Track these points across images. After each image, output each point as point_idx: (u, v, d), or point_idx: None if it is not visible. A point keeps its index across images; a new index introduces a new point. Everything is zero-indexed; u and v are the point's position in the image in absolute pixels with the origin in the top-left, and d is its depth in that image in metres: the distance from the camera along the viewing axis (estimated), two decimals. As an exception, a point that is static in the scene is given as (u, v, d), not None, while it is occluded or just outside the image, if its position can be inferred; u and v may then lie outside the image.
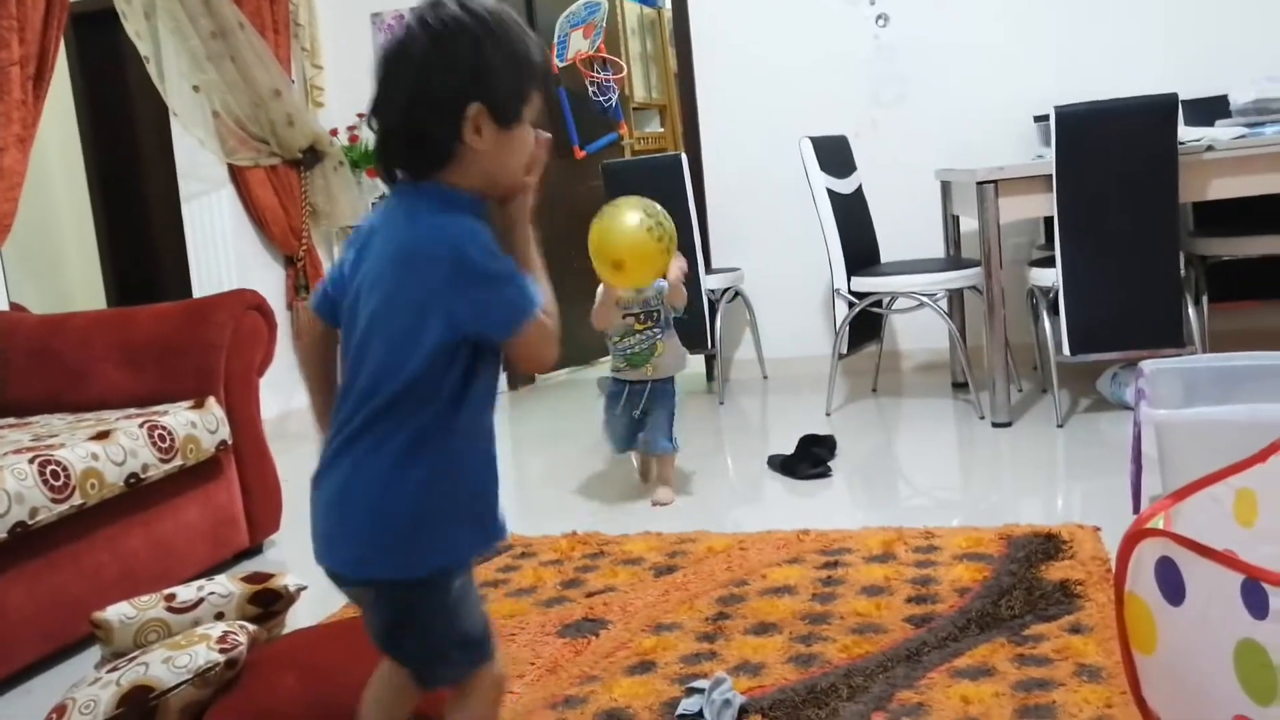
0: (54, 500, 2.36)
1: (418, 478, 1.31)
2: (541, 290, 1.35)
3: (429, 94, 1.29)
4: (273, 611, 2.29)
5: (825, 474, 3.39)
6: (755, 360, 5.05)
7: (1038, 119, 4.41)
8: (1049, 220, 3.87)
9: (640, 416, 3.27)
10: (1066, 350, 3.67)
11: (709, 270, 4.71)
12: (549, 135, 1.38)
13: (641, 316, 3.19)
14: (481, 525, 1.39)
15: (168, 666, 1.96)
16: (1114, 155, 3.51)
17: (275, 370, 3.43)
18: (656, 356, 3.22)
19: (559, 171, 5.68)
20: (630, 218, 2.91)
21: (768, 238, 4.98)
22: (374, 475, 1.32)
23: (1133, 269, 3.57)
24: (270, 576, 2.33)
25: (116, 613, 2.18)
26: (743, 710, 1.87)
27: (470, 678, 1.43)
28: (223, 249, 4.56)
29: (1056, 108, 3.53)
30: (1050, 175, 3.57)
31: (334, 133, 5.10)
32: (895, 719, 1.82)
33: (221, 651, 1.99)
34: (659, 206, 3.00)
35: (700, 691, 1.91)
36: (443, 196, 1.33)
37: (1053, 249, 3.67)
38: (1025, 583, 2.32)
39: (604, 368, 5.50)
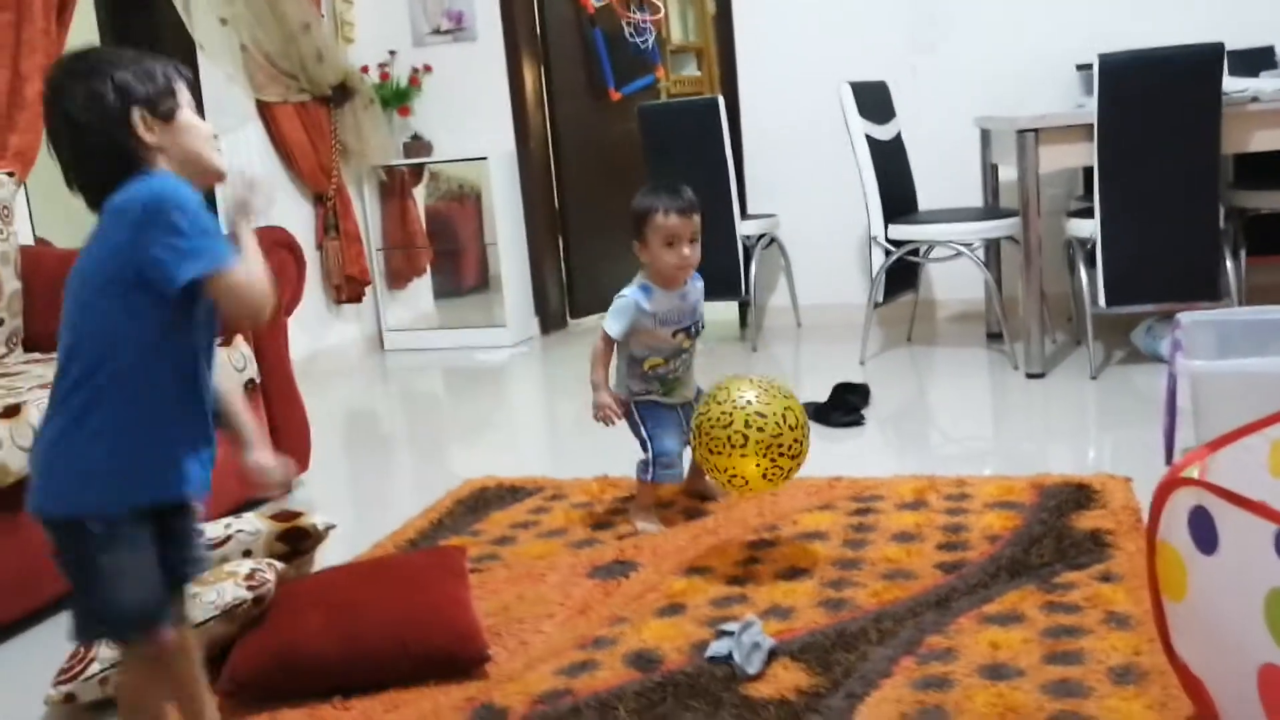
0: (87, 434, 2.37)
1: (89, 429, 1.45)
2: (244, 259, 1.46)
3: (98, 123, 1.44)
4: (300, 550, 2.31)
5: (858, 422, 3.37)
6: (789, 307, 5.02)
7: (1080, 67, 4.31)
8: (1088, 170, 3.81)
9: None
10: (1102, 301, 3.61)
11: (744, 216, 4.66)
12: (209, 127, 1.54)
13: (691, 331, 2.58)
14: (147, 481, 1.49)
15: (196, 602, 1.98)
16: (1157, 105, 3.43)
17: (303, 310, 3.43)
18: (689, 375, 2.66)
19: (594, 113, 5.63)
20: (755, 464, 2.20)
21: (804, 184, 4.92)
22: (53, 428, 1.49)
23: (1171, 221, 3.51)
24: (298, 515, 2.35)
25: (148, 546, 2.19)
26: (772, 653, 1.87)
27: (123, 645, 1.57)
28: (252, 187, 4.55)
29: (1100, 56, 3.45)
30: (1091, 125, 3.50)
31: (364, 70, 5.07)
32: (924, 663, 1.81)
33: (249, 589, 2.01)
34: (778, 399, 2.26)
35: (730, 634, 1.91)
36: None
37: (1091, 199, 3.61)
38: (1056, 531, 2.30)
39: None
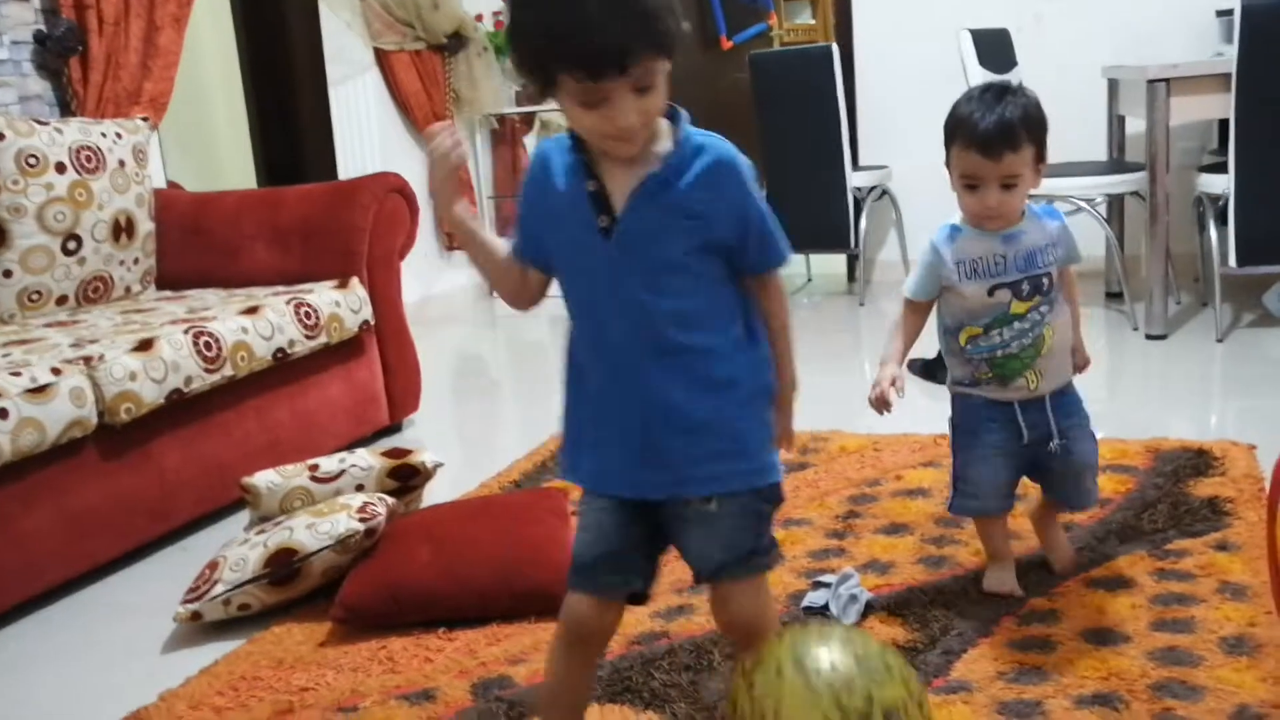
0: (207, 370, 2.46)
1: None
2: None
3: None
4: (410, 486, 2.37)
5: (965, 380, 3.28)
6: (899, 261, 4.92)
7: (1220, 13, 4.10)
8: (1224, 123, 3.63)
9: (1041, 455, 1.85)
10: (1233, 261, 3.46)
11: (856, 167, 4.58)
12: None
13: (1025, 288, 1.78)
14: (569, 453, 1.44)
15: (311, 532, 2.05)
16: (1304, 52, 3.24)
17: (416, 255, 3.49)
18: (1045, 354, 1.80)
19: (704, 63, 5.57)
20: None
21: (919, 135, 4.76)
22: None
23: (1314, 176, 3.32)
24: (409, 452, 2.41)
25: (264, 479, 2.29)
26: (869, 606, 1.86)
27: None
28: (367, 133, 4.64)
29: (1243, 0, 3.26)
30: (1230, 75, 3.32)
31: (479, 18, 5.09)
32: (1025, 623, 1.78)
33: (361, 521, 2.07)
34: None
35: (826, 585, 1.90)
36: None
37: (1225, 154, 3.44)
38: (1171, 497, 2.22)
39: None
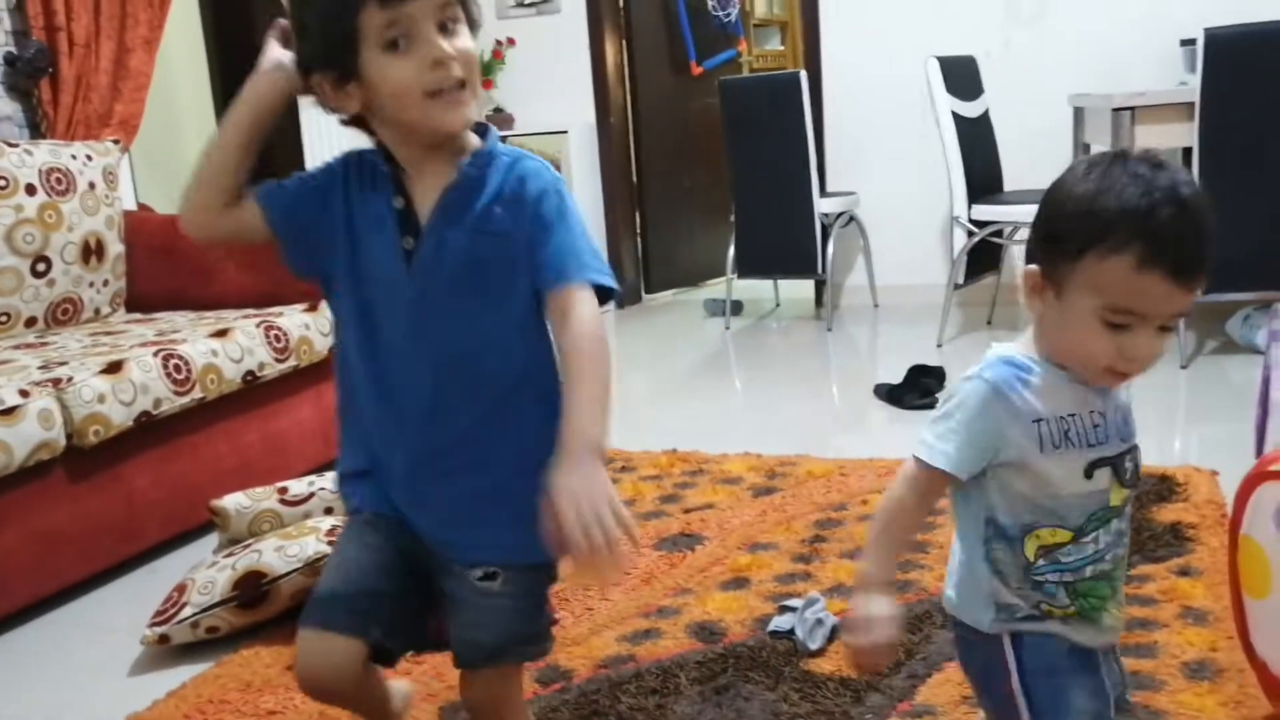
0: (176, 392, 2.45)
1: None
2: None
3: None
4: (379, 509, 2.36)
5: (933, 405, 3.31)
6: (867, 287, 4.96)
7: (1184, 42, 4.18)
8: (1187, 152, 3.69)
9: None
10: (1196, 288, 3.51)
11: (823, 194, 4.62)
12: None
13: (1128, 467, 1.15)
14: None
15: (280, 555, 2.05)
16: (1266, 83, 3.31)
17: (388, 277, 3.49)
18: (1121, 572, 1.18)
19: (675, 87, 5.61)
20: None
21: (886, 161, 4.86)
22: None
23: (1275, 206, 3.39)
24: (377, 475, 2.40)
25: (233, 502, 2.28)
26: (834, 630, 1.87)
27: None
28: (338, 153, 4.63)
29: (1206, 30, 3.33)
30: (1193, 103, 3.39)
31: (452, 43, 5.12)
32: (990, 649, 1.80)
33: (330, 544, 2.07)
34: None
35: (793, 610, 1.91)
36: None
37: (1188, 181, 3.49)
38: (1135, 523, 2.25)
39: (713, 289, 5.48)
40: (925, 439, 1.16)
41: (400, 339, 1.18)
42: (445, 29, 1.11)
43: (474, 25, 1.16)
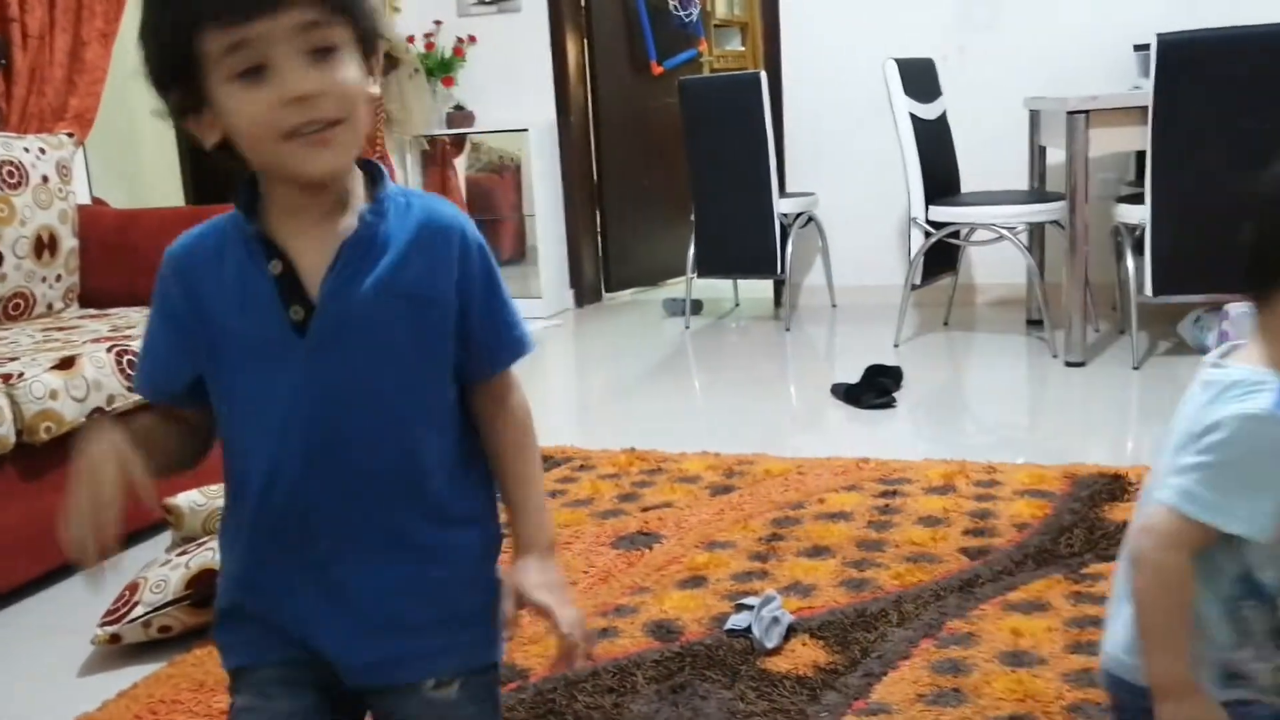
0: (129, 389, 2.42)
1: None
2: None
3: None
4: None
5: (890, 404, 3.36)
6: (825, 287, 4.99)
7: (1138, 48, 4.24)
8: (1140, 155, 3.75)
9: None
10: (1149, 290, 3.57)
11: (782, 194, 4.64)
12: None
13: None
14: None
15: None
16: (1217, 88, 3.36)
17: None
18: None
19: (636, 86, 5.62)
20: None
21: (845, 162, 4.89)
22: None
23: (1226, 209, 3.44)
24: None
25: (187, 499, 2.26)
26: (791, 629, 1.88)
27: None
28: (299, 152, 4.59)
29: (1159, 35, 3.38)
30: (1146, 107, 3.44)
31: (410, 40, 5.09)
32: (944, 646, 1.82)
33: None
34: None
35: (750, 608, 1.92)
36: None
37: (1142, 185, 3.55)
38: (1087, 522, 2.29)
39: (673, 288, 5.49)
40: (1187, 490, 0.96)
41: (294, 438, 0.96)
42: (317, 55, 0.89)
43: (369, 45, 0.94)
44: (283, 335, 0.95)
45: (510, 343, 1.02)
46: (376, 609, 0.99)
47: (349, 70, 0.91)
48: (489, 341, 1.01)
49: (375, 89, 0.95)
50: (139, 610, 1.98)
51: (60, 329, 2.70)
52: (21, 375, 2.23)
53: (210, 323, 0.97)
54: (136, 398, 2.43)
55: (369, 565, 0.99)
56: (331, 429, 0.96)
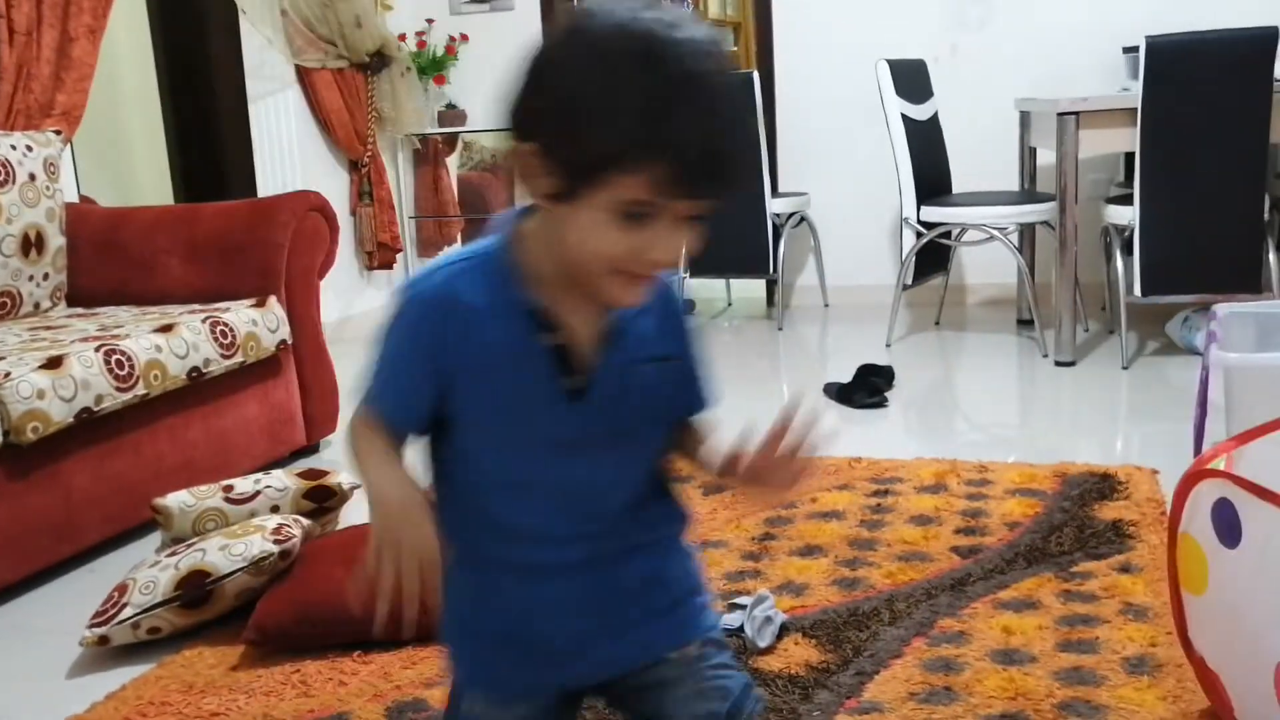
0: (118, 389, 2.41)
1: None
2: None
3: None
4: (327, 507, 2.34)
5: (881, 404, 3.36)
6: (817, 287, 5.00)
7: (1127, 50, 4.25)
8: (1129, 156, 3.76)
9: None
10: (1138, 291, 3.58)
11: (775, 194, 4.64)
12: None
13: None
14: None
15: (224, 554, 2.02)
16: (1204, 90, 3.37)
17: (336, 275, 3.46)
18: None
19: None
20: None
21: (837, 163, 4.89)
22: None
23: (1214, 210, 3.46)
24: (325, 474, 2.38)
25: (176, 500, 2.25)
26: (784, 628, 1.88)
27: None
28: (288, 150, 4.58)
29: (1147, 38, 3.40)
30: (1135, 109, 3.45)
31: (402, 38, 5.07)
32: (935, 645, 1.82)
33: (276, 543, 2.04)
34: None
35: (742, 607, 1.92)
36: None
37: (1131, 186, 3.56)
38: (1077, 520, 2.29)
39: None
40: None
41: (561, 492, 1.05)
42: (686, 221, 0.93)
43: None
44: (550, 404, 1.02)
45: (713, 384, 1.14)
46: (621, 614, 1.11)
47: (691, 238, 0.95)
48: (706, 384, 1.13)
49: None
50: (128, 611, 1.97)
51: (48, 328, 2.69)
52: (8, 375, 2.21)
53: (471, 372, 1.01)
54: (128, 397, 2.42)
55: (614, 578, 1.10)
56: (591, 484, 1.06)
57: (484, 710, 1.13)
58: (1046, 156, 3.98)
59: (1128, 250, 3.62)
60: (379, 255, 5.06)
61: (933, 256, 4.36)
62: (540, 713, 1.13)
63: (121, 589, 2.03)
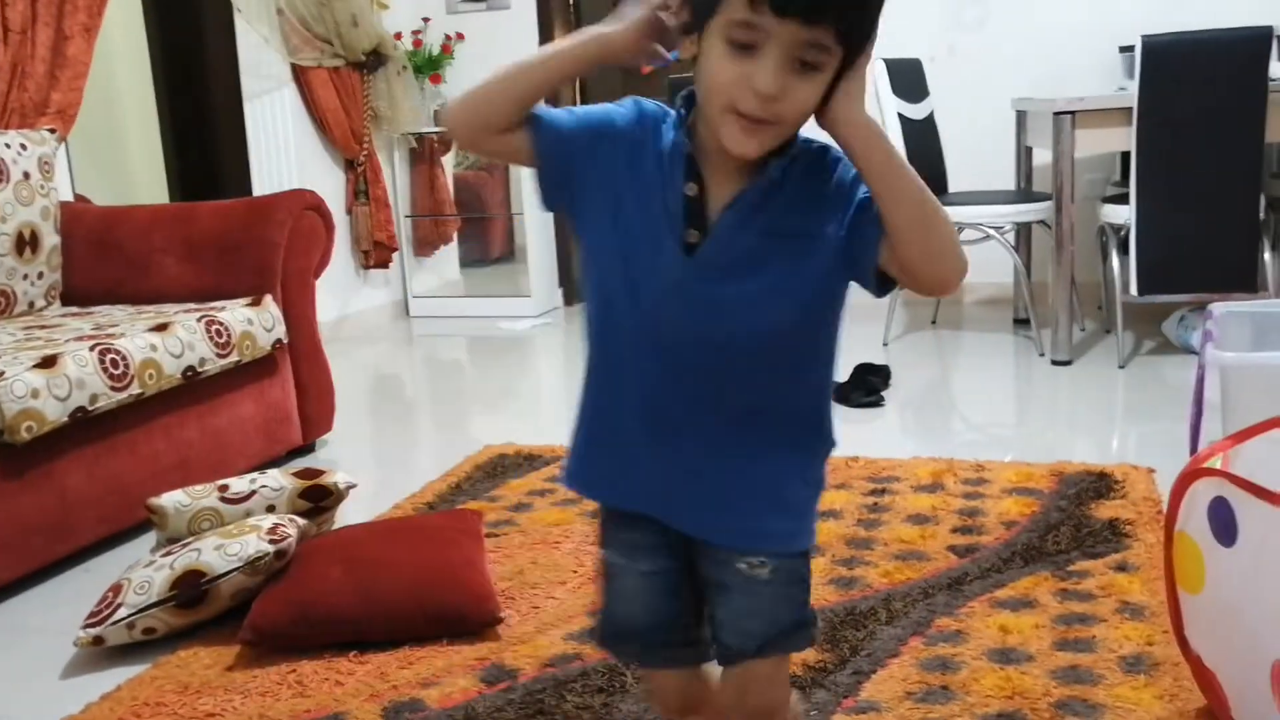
0: (113, 388, 2.40)
1: None
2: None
3: None
4: (322, 507, 2.34)
5: (878, 403, 3.36)
6: (813, 287, 4.99)
7: (1123, 49, 4.26)
8: (1125, 155, 3.76)
9: None
10: (1134, 290, 3.58)
11: (771, 193, 4.64)
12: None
13: None
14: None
15: (220, 554, 2.01)
16: (1200, 89, 3.38)
17: (332, 274, 3.45)
18: None
19: (624, 87, 5.61)
20: None
21: (833, 162, 4.88)
22: None
23: (1210, 209, 3.46)
24: (321, 473, 2.38)
25: (172, 500, 2.24)
26: (780, 628, 1.87)
27: None
28: (284, 149, 4.57)
29: (1143, 37, 3.40)
30: (1131, 108, 3.45)
31: (398, 36, 5.07)
32: (932, 644, 1.81)
33: (272, 542, 2.04)
34: None
35: (738, 607, 1.92)
36: None
37: (1127, 185, 3.56)
38: (1074, 519, 2.29)
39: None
40: None
41: (664, 312, 1.07)
42: (798, 65, 0.95)
43: (844, 73, 0.98)
44: (673, 250, 1.04)
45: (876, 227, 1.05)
46: (712, 490, 1.12)
47: (810, 93, 0.97)
48: (863, 238, 1.05)
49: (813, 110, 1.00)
50: (122, 612, 1.96)
51: (42, 327, 2.68)
52: (2, 374, 2.20)
53: (620, 189, 1.07)
54: (122, 396, 2.41)
55: (714, 454, 1.10)
56: (692, 344, 1.06)
57: (617, 560, 1.21)
58: (1043, 156, 3.98)
59: (1124, 249, 3.62)
60: (375, 254, 5.05)
61: (929, 256, 4.35)
62: (662, 571, 1.18)
63: (116, 589, 2.02)
